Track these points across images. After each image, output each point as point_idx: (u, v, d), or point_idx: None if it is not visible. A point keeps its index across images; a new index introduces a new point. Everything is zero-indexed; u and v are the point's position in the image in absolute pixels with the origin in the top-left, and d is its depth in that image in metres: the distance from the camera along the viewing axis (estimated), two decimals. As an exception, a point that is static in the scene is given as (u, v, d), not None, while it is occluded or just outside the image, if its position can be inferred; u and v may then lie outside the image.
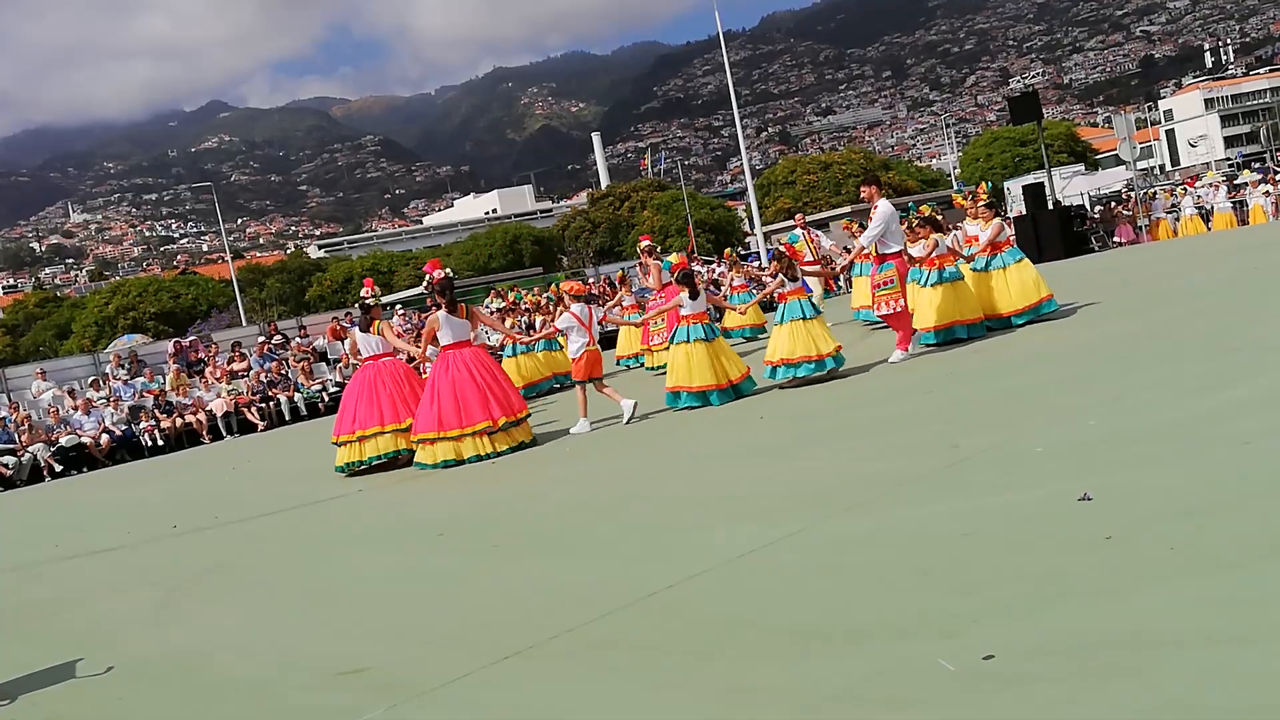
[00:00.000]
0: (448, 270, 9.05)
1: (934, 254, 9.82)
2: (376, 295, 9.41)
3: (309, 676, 3.62)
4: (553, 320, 11.70)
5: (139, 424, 16.80)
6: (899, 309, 9.39)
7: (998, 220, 10.61)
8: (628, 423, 8.88)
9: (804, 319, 9.12)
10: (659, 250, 13.62)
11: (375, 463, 8.93)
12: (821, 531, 4.18)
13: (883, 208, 9.51)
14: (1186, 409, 5.14)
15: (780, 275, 9.44)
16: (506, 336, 12.53)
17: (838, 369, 9.15)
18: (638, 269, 14.91)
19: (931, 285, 9.78)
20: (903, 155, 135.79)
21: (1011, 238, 10.92)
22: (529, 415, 8.96)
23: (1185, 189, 26.64)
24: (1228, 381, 5.58)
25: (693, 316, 9.27)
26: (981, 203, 10.84)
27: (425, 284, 11.07)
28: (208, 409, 17.33)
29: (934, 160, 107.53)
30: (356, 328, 9.72)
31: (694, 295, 9.34)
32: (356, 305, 9.57)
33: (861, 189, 10.03)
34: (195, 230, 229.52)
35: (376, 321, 9.37)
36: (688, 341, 9.17)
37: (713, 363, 9.07)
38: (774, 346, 9.31)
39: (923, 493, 4.48)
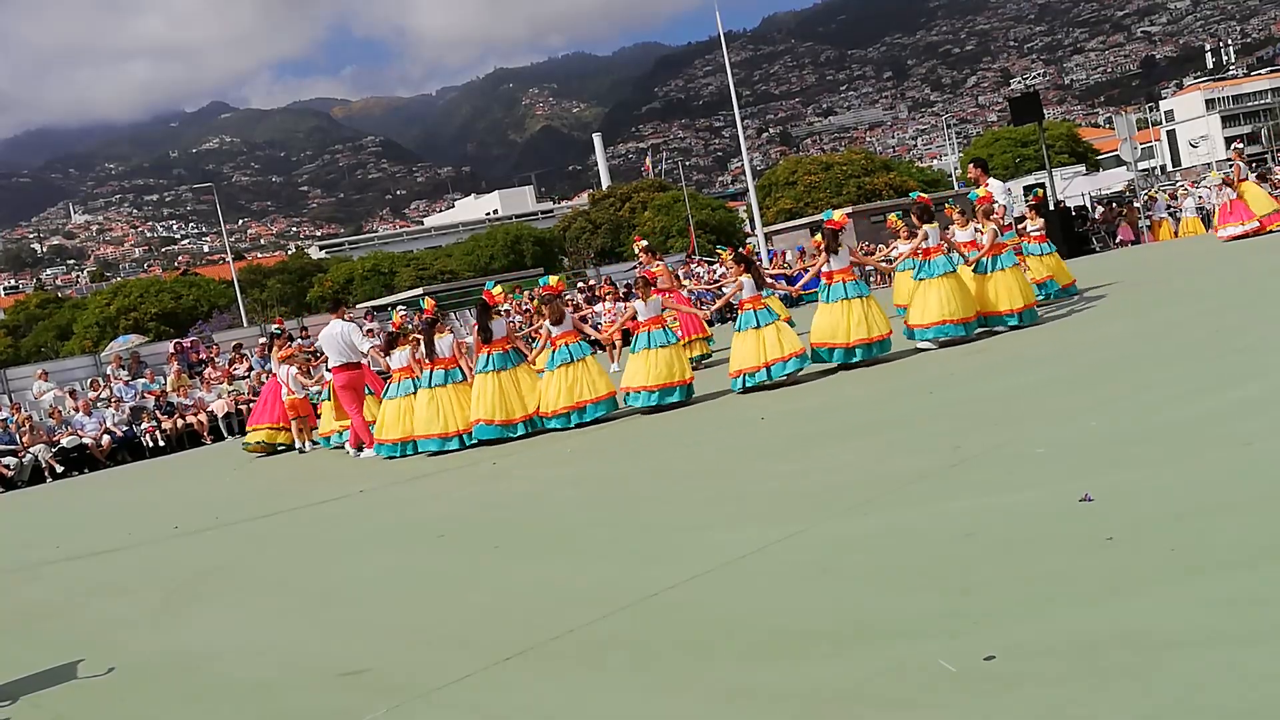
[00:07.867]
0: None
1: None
2: (281, 329, 12.80)
3: (310, 677, 3.62)
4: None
5: (140, 425, 16.82)
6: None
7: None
8: None
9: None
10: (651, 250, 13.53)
11: (259, 446, 13.13)
12: (822, 532, 4.18)
13: (327, 329, 10.65)
14: (1188, 410, 5.14)
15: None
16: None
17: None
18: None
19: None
20: (904, 156, 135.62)
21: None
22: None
23: (1187, 190, 26.62)
24: (1229, 382, 5.58)
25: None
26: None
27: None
28: (209, 410, 17.35)
29: (935, 161, 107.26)
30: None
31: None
32: (269, 334, 13.70)
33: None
34: (196, 231, 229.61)
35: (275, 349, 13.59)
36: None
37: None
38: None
39: (924, 493, 4.48)
